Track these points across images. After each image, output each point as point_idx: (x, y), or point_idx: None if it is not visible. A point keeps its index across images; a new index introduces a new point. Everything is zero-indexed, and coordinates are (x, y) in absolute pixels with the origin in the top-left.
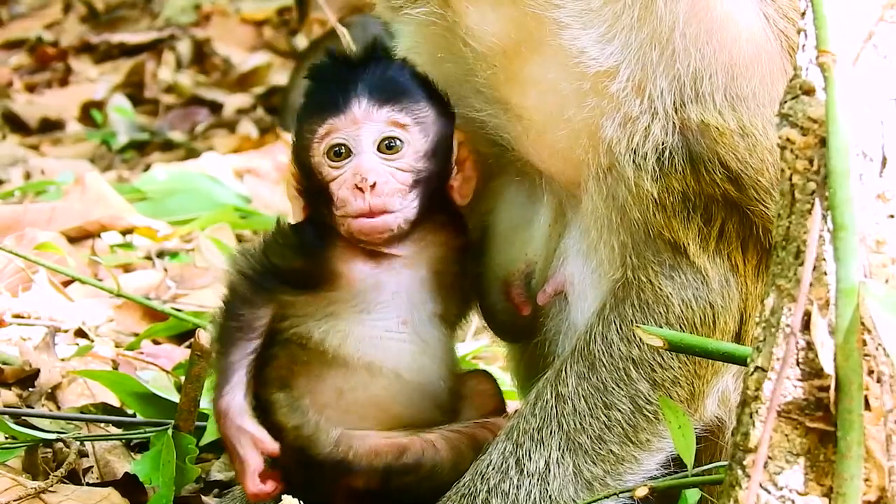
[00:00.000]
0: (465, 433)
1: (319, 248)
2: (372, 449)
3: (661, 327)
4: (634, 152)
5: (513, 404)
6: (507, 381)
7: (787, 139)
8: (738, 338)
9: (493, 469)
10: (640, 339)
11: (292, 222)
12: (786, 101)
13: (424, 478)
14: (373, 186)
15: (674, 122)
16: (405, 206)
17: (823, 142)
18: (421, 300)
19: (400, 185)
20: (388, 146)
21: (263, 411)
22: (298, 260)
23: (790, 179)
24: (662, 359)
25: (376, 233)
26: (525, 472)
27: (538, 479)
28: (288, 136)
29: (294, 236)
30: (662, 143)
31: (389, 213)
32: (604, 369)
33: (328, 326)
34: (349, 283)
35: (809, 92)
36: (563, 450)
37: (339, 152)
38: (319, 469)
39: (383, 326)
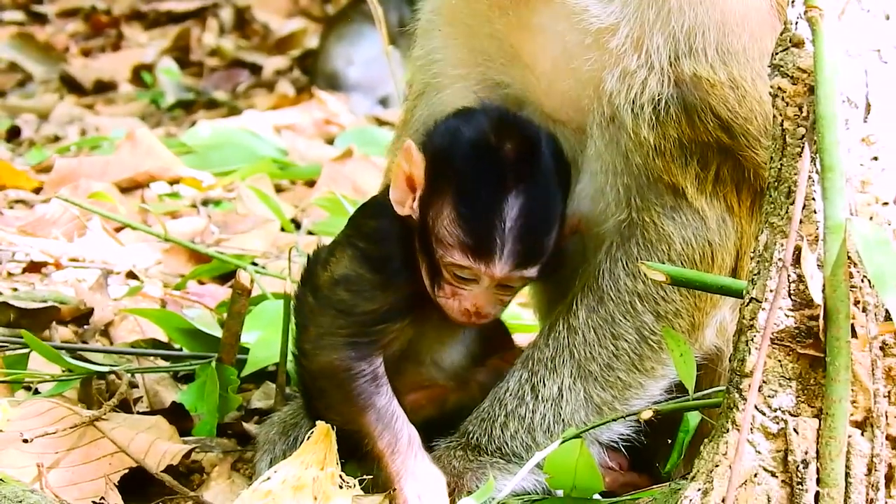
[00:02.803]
0: (488, 372)
1: (407, 282)
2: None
3: (664, 264)
4: (633, 103)
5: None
6: (524, 316)
7: (779, 88)
8: (735, 273)
9: (511, 395)
10: (645, 274)
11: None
12: (777, 53)
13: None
14: (480, 313)
15: (669, 76)
16: (499, 312)
17: (812, 90)
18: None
19: (504, 307)
20: (507, 287)
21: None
22: (389, 297)
23: (781, 125)
24: (665, 293)
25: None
26: (540, 397)
27: (552, 404)
28: (322, 94)
29: (376, 275)
30: (659, 95)
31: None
32: (611, 303)
33: (415, 338)
34: (434, 306)
35: (799, 44)
36: (575, 377)
37: (466, 280)
38: None
39: (460, 330)
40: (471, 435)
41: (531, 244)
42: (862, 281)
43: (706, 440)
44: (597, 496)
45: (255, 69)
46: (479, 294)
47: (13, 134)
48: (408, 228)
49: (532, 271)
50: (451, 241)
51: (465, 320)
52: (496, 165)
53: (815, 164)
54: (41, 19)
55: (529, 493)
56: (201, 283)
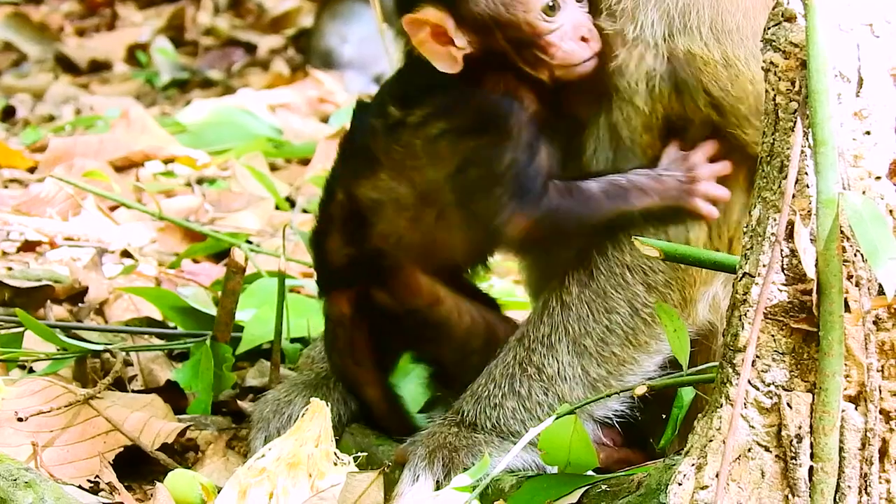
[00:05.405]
0: (488, 320)
1: (514, 106)
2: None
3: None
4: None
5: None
6: (517, 293)
7: (771, 62)
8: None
9: (507, 373)
10: (631, 245)
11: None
12: (769, 28)
13: (438, 337)
14: (591, 32)
15: (663, 52)
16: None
17: (804, 64)
18: None
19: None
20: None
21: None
22: (515, 135)
23: (774, 100)
24: (652, 262)
25: (590, 71)
26: (537, 376)
27: (551, 382)
28: (316, 73)
29: (488, 134)
30: (652, 71)
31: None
32: (602, 276)
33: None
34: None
35: (791, 18)
36: (572, 354)
37: (553, 7)
38: None
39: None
40: (466, 413)
41: None
42: (855, 255)
43: (700, 415)
44: (591, 472)
45: (250, 48)
46: (572, 15)
47: (8, 114)
48: (471, 70)
49: None
50: None
51: (588, 54)
52: None
53: (807, 138)
54: None
55: (524, 470)
56: (196, 261)
